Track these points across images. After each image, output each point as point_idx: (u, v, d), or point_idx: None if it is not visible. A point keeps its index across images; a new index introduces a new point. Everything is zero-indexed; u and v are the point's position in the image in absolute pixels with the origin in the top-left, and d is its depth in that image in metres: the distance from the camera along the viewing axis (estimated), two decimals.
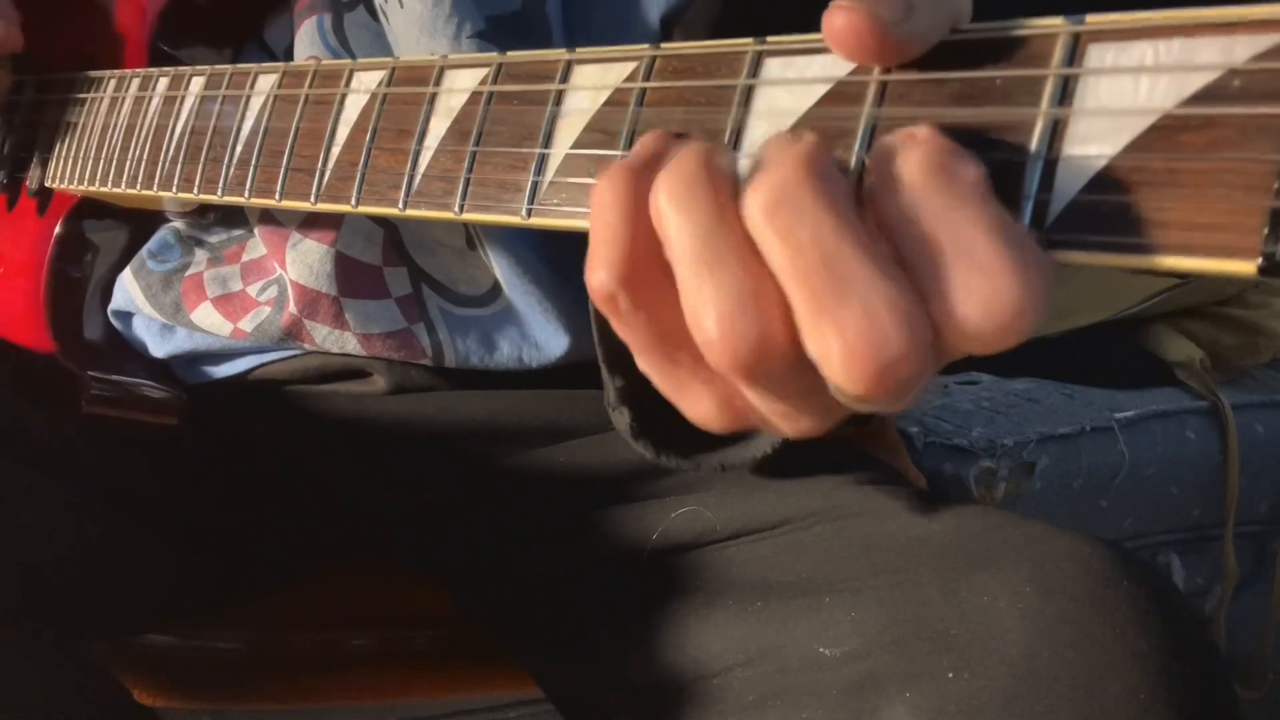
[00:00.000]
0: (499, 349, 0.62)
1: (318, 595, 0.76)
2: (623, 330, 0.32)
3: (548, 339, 0.62)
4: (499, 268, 0.60)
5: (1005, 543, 0.46)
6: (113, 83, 0.60)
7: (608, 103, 0.34)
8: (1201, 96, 0.24)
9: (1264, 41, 0.23)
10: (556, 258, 0.63)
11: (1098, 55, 0.25)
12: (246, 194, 0.48)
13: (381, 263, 0.61)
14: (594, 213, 0.31)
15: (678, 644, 0.55)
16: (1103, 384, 1.23)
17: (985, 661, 0.42)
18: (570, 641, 0.63)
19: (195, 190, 0.51)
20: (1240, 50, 0.23)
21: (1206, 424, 1.22)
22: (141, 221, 0.66)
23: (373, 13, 0.57)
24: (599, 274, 0.31)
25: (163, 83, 0.56)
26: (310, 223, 0.60)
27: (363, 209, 0.42)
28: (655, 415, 0.48)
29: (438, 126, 0.39)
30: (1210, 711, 0.42)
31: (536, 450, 0.65)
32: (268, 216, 0.62)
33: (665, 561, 0.59)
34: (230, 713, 0.76)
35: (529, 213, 0.36)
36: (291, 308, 0.61)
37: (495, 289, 0.62)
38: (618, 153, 0.34)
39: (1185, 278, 1.30)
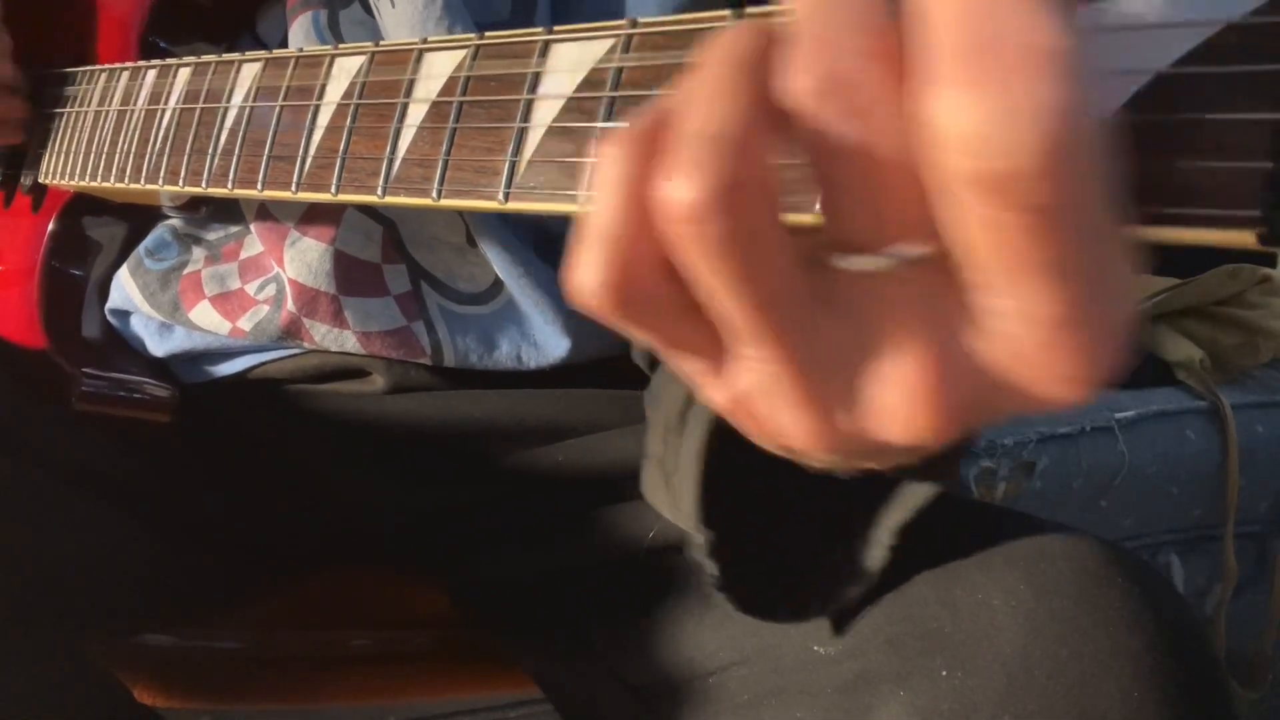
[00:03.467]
0: (498, 348, 0.62)
1: (318, 595, 0.77)
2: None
3: (547, 340, 0.62)
4: (497, 266, 0.60)
5: (999, 541, 0.46)
6: (103, 77, 0.60)
7: (585, 81, 0.34)
8: (1197, 54, 0.22)
9: None
10: (556, 257, 0.63)
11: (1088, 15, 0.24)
12: (230, 184, 0.47)
13: (381, 260, 0.61)
14: (597, 185, 0.26)
15: (674, 643, 0.55)
16: None
17: (979, 660, 0.42)
18: (568, 641, 0.63)
19: (181, 182, 0.51)
20: (1238, 3, 0.22)
21: (1206, 424, 1.22)
22: (138, 218, 0.67)
23: (368, 9, 0.58)
24: (585, 274, 0.26)
25: (150, 75, 0.56)
26: (308, 220, 0.61)
27: (343, 197, 0.41)
28: (742, 568, 0.44)
29: (416, 111, 0.39)
30: (1204, 710, 0.42)
31: (534, 450, 0.65)
32: (264, 213, 0.62)
33: (662, 560, 0.59)
34: (230, 713, 0.77)
35: (506, 196, 0.35)
36: (290, 306, 0.61)
37: (495, 287, 0.62)
38: (597, 125, 0.33)
39: (1184, 277, 1.30)
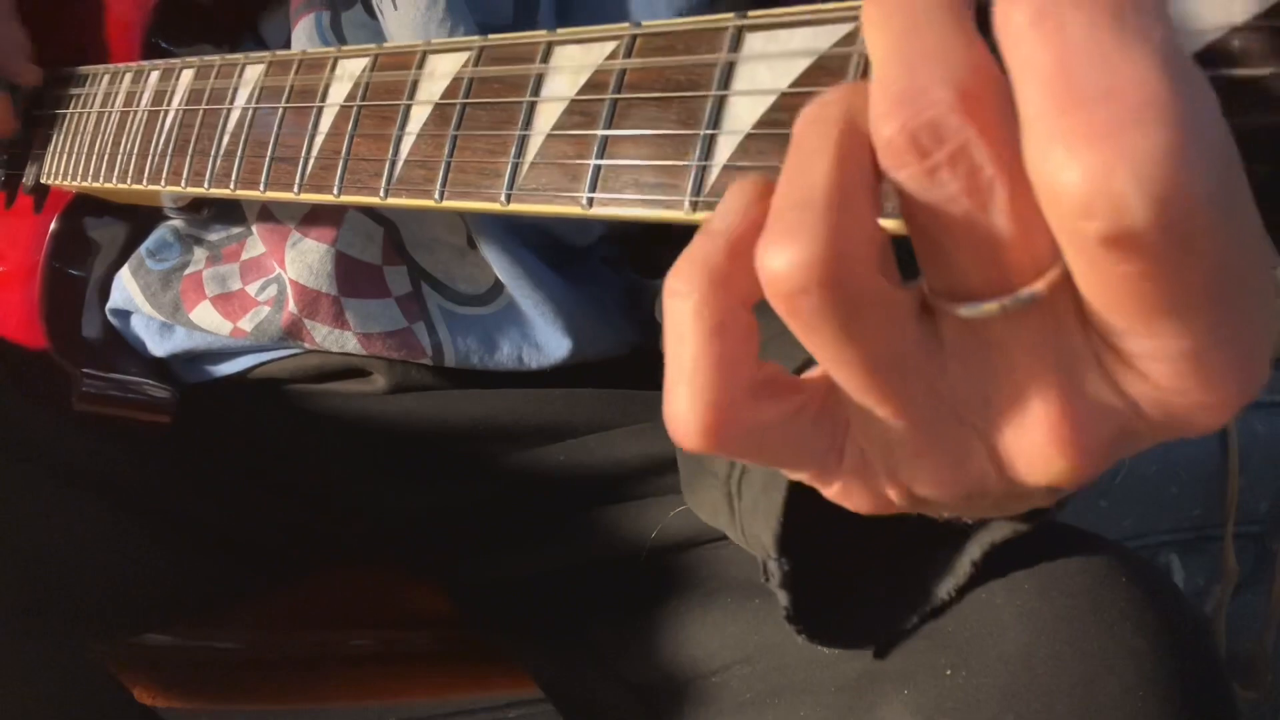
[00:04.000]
0: (499, 349, 0.62)
1: (318, 595, 0.77)
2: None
3: (548, 340, 0.62)
4: (497, 267, 0.60)
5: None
6: (106, 77, 0.60)
7: (588, 84, 0.34)
8: (1200, 58, 0.22)
9: None
10: (557, 260, 0.63)
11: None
12: (232, 185, 0.47)
13: (382, 261, 0.61)
14: (668, 326, 0.25)
15: (676, 642, 0.55)
16: None
17: (982, 659, 0.42)
18: (569, 640, 0.63)
19: (183, 183, 0.51)
20: (1239, 7, 0.21)
21: None
22: (139, 219, 0.67)
23: (370, 11, 0.58)
24: (683, 422, 0.24)
25: (154, 76, 0.56)
26: (310, 221, 0.61)
27: (345, 198, 0.41)
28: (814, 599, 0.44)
29: (419, 113, 0.39)
30: (1207, 710, 0.42)
31: (535, 450, 0.65)
32: (266, 214, 0.62)
33: (663, 560, 0.59)
34: (230, 713, 0.77)
35: (508, 198, 0.35)
36: (291, 307, 0.61)
37: (496, 288, 0.62)
38: (598, 133, 0.33)
39: None
